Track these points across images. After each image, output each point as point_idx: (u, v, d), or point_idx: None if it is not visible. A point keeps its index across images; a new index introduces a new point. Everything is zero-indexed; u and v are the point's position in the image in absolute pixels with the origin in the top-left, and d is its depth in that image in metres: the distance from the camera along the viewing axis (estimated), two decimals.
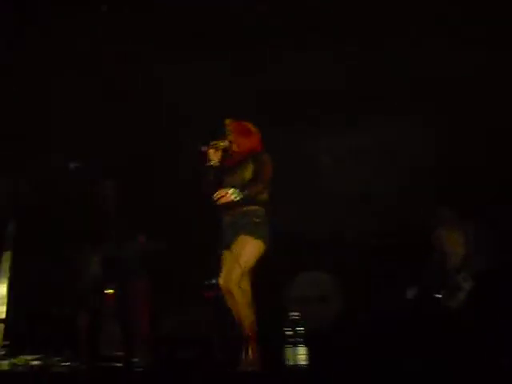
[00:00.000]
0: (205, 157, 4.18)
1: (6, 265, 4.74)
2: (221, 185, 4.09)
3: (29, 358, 4.82)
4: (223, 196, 3.89)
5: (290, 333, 3.26)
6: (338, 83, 5.60)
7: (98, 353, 4.97)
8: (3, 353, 4.73)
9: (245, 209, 4.04)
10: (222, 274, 3.95)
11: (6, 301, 4.80)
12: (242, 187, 3.98)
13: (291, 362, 3.22)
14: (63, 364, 4.70)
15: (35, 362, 4.75)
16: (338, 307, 5.67)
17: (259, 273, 4.00)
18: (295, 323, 3.27)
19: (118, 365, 4.74)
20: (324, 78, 5.57)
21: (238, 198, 3.91)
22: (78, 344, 4.85)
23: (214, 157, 4.19)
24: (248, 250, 3.96)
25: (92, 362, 4.76)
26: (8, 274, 4.76)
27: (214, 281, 5.27)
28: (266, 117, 5.00)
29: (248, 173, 4.13)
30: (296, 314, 3.29)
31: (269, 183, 4.11)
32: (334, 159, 6.36)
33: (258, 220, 4.03)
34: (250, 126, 4.33)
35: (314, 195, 5.99)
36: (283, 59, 5.52)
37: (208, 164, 4.18)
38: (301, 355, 3.23)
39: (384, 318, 5.35)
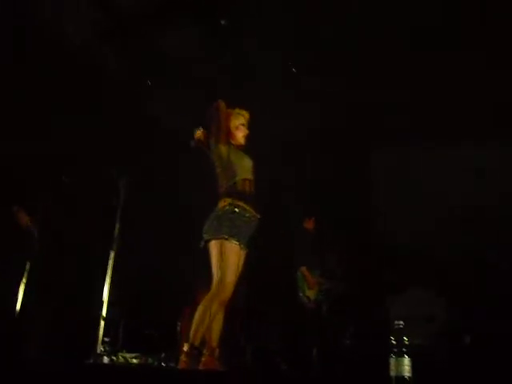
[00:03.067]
0: None
1: (110, 264, 4.86)
2: None
3: (127, 355, 4.95)
4: None
5: (394, 342, 3.12)
6: None
7: None
8: (103, 349, 4.84)
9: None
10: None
11: (107, 299, 4.91)
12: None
13: (394, 373, 3.09)
14: (161, 364, 4.78)
15: (134, 360, 4.87)
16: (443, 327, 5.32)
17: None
18: (399, 333, 3.13)
19: None
20: None
21: None
22: (177, 346, 4.90)
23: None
24: None
25: None
26: (110, 273, 4.88)
27: None
28: None
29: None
30: (401, 322, 3.14)
31: None
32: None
33: None
34: None
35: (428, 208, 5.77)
36: None
37: None
38: (405, 366, 3.08)
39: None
